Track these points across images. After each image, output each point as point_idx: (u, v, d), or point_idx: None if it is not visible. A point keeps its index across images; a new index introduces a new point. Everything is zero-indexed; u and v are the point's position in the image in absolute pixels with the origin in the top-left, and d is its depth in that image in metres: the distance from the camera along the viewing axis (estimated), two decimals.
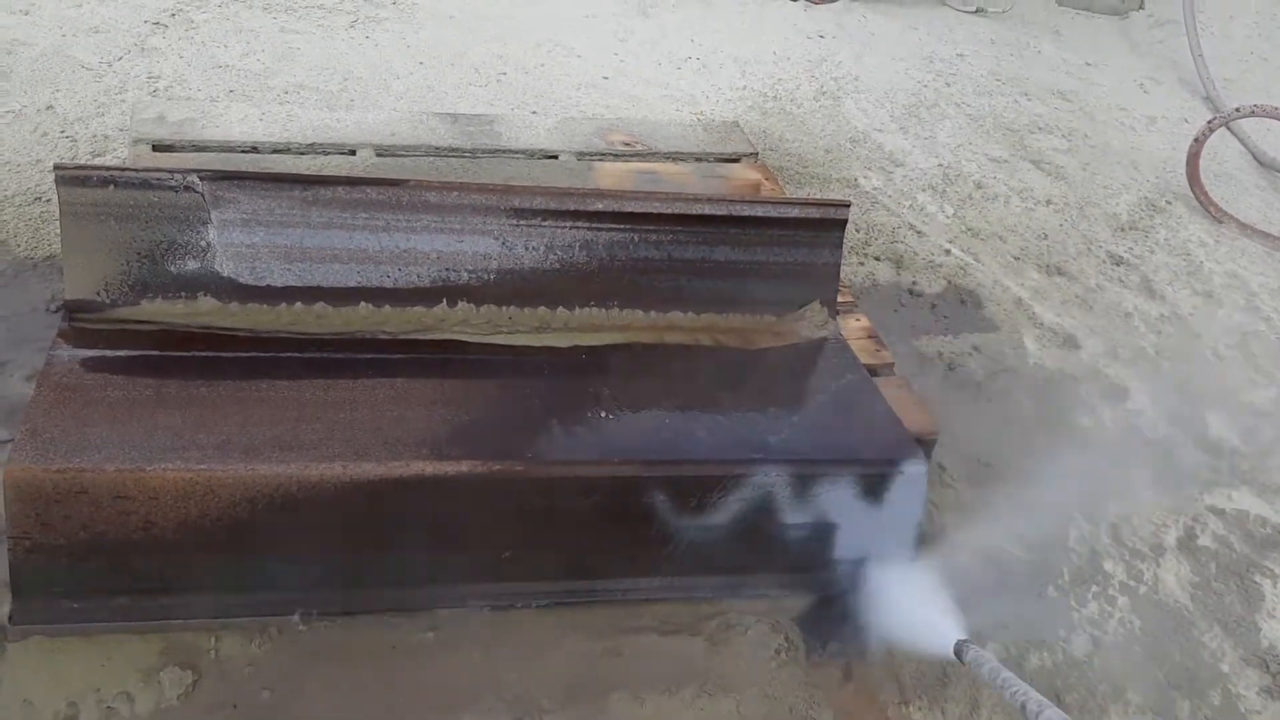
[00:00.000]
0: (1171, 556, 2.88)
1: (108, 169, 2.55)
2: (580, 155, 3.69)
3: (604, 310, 2.82)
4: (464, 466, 2.31)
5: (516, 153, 3.64)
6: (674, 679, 2.34)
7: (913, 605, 2.43)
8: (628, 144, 3.80)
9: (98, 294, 2.53)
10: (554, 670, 2.33)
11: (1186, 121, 5.40)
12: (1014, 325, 3.65)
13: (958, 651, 2.22)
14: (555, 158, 3.67)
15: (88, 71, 4.12)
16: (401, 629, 2.33)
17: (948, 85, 5.36)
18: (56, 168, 2.49)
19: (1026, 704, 1.92)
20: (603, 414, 2.54)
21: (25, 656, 2.15)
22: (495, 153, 3.61)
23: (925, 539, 2.67)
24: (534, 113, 4.34)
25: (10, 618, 2.17)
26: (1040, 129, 5.06)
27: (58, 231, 3.11)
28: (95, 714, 2.07)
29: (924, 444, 2.64)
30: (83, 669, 2.14)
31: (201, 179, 2.54)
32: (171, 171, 2.55)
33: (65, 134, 3.69)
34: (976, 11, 6.46)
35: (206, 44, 4.48)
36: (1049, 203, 4.43)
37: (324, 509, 2.24)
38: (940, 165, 4.55)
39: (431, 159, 3.50)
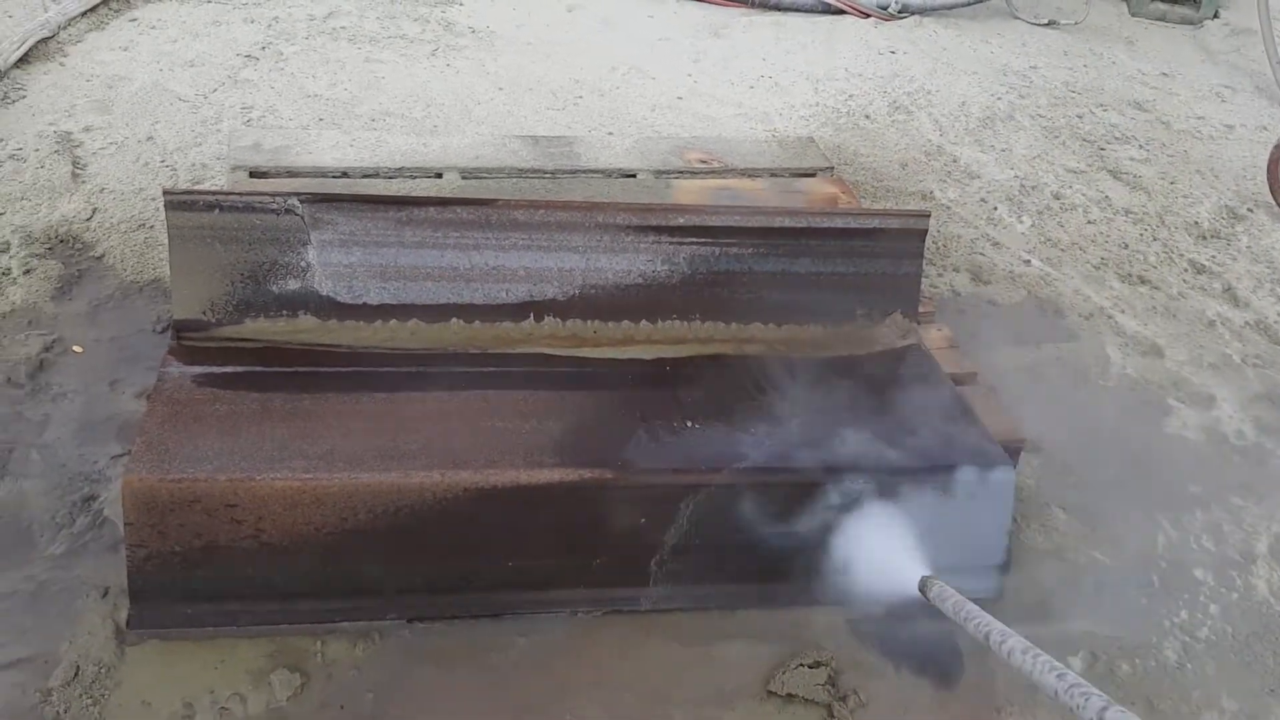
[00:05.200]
0: (1263, 563, 2.84)
1: (213, 193, 2.67)
2: (658, 173, 3.76)
3: (686, 323, 2.88)
4: (556, 475, 2.38)
5: (596, 172, 3.72)
6: (764, 687, 2.37)
7: (874, 546, 2.44)
8: (704, 161, 3.86)
9: (204, 313, 2.64)
10: (646, 677, 2.37)
11: (1265, 129, 5.32)
12: (1096, 334, 3.63)
13: (922, 588, 2.24)
14: (633, 176, 3.74)
15: (184, 103, 4.29)
16: (497, 633, 2.39)
17: (1022, 98, 5.34)
18: (165, 193, 2.61)
19: (990, 635, 1.92)
20: (688, 423, 2.59)
21: (143, 659, 2.25)
22: (575, 173, 3.69)
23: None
24: (610, 134, 4.41)
25: (128, 622, 2.28)
26: (1117, 139, 5.03)
27: (161, 256, 3.27)
28: (210, 714, 2.16)
29: (1010, 451, 2.65)
30: (197, 671, 2.24)
31: (301, 202, 2.65)
32: (273, 195, 2.66)
33: (165, 163, 3.84)
34: (1049, 24, 6.43)
35: (296, 75, 4.64)
36: (1128, 212, 4.40)
37: (423, 516, 2.32)
38: (1017, 177, 4.55)
39: (515, 180, 3.59)
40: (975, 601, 2.41)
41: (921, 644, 2.50)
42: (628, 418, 2.59)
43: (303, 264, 2.66)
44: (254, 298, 2.66)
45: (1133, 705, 2.45)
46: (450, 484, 2.32)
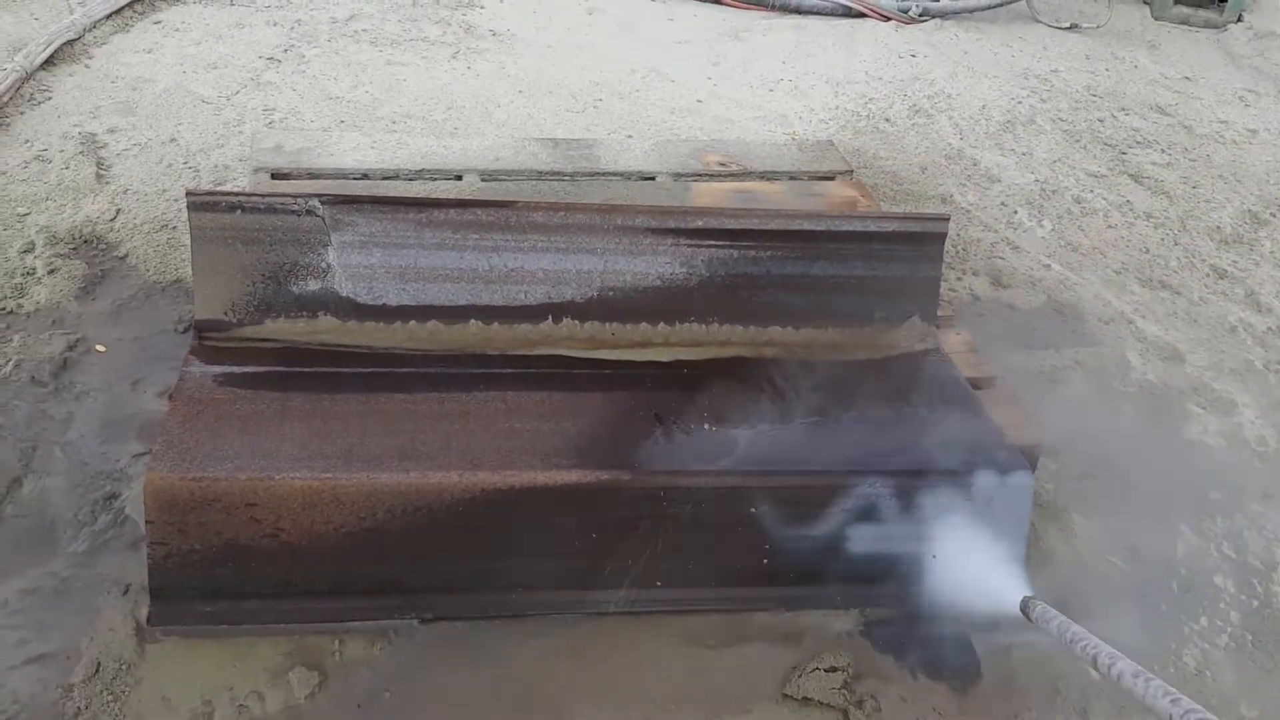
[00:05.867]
0: None
1: (235, 194, 2.69)
2: (677, 176, 3.76)
3: (704, 326, 2.88)
4: (574, 476, 2.39)
5: (615, 175, 3.73)
6: (780, 689, 2.37)
7: (978, 565, 2.43)
8: (723, 164, 3.87)
9: (225, 314, 2.66)
10: (661, 679, 2.37)
11: None
12: (1117, 339, 3.62)
13: (1024, 608, 2.21)
14: (652, 179, 3.74)
15: (207, 105, 4.33)
16: (513, 634, 2.40)
17: (1043, 101, 5.33)
18: (188, 194, 2.63)
19: (1098, 657, 1.88)
20: (706, 426, 2.59)
21: (163, 657, 2.27)
22: (594, 175, 3.70)
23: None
24: (630, 137, 4.43)
25: (149, 620, 2.30)
26: (1139, 143, 5.01)
27: (184, 257, 3.30)
28: (229, 712, 2.18)
29: (1028, 455, 2.64)
30: (216, 669, 2.26)
31: (322, 203, 2.66)
32: (294, 196, 2.68)
33: (188, 164, 3.88)
34: (1070, 27, 6.40)
35: (318, 77, 4.67)
36: (1150, 217, 4.38)
37: (440, 516, 2.33)
38: (1037, 181, 4.53)
39: (534, 182, 3.60)
40: None
41: (938, 648, 2.50)
42: (645, 420, 2.59)
43: (323, 265, 2.68)
44: (275, 298, 2.67)
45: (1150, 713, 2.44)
46: (468, 484, 2.33)
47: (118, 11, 5.00)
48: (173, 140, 4.03)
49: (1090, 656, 1.91)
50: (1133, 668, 1.81)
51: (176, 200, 3.62)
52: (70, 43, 4.63)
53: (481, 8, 5.73)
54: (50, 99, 4.24)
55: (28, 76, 4.28)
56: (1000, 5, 6.33)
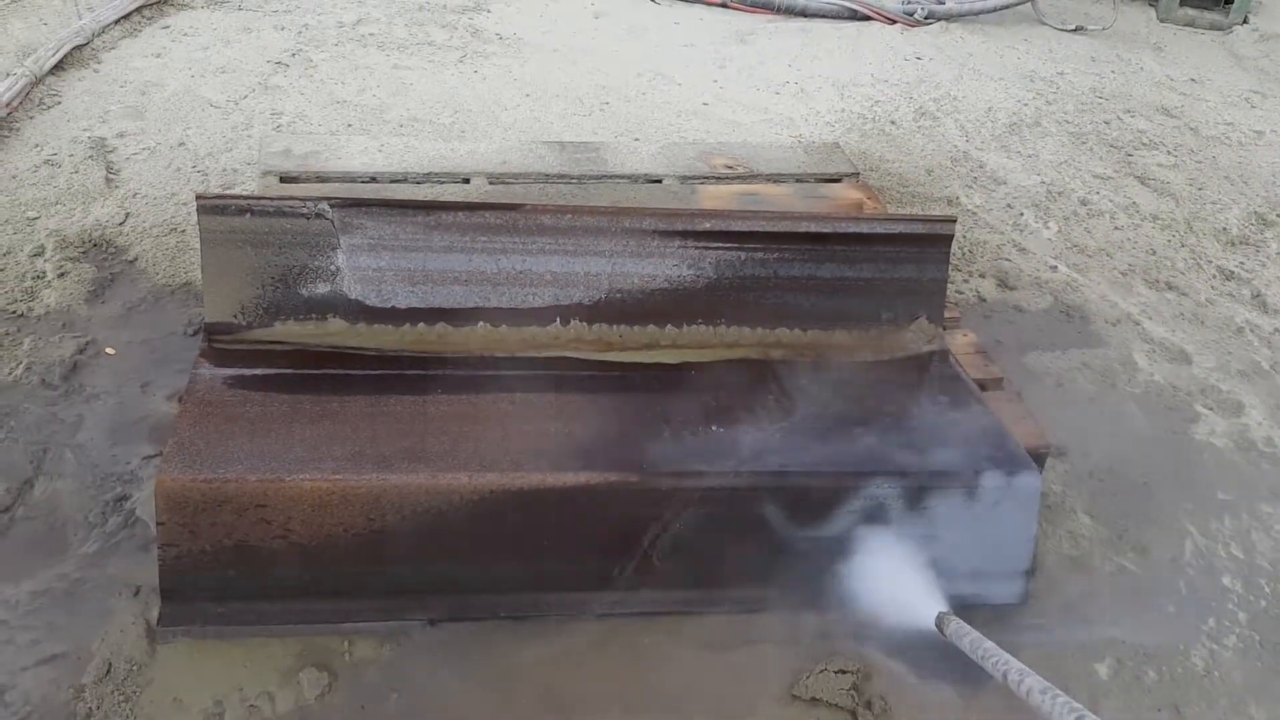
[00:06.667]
0: None
1: (244, 198, 2.70)
2: (683, 179, 3.77)
3: (712, 328, 2.88)
4: (582, 478, 2.40)
5: (621, 178, 3.73)
6: (788, 691, 2.37)
7: (894, 579, 2.44)
8: (730, 167, 3.87)
9: (235, 316, 2.67)
10: (669, 679, 2.38)
11: None
12: (1123, 341, 3.62)
13: (939, 624, 2.23)
14: (659, 182, 3.75)
15: (216, 109, 4.34)
16: (521, 635, 2.41)
17: (1049, 103, 5.33)
18: (198, 197, 2.64)
19: (1008, 674, 1.92)
20: (713, 427, 2.60)
21: (174, 657, 2.28)
22: (601, 178, 3.70)
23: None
24: (636, 139, 4.44)
25: (159, 620, 2.31)
26: (1145, 145, 5.01)
27: (193, 260, 3.31)
28: (240, 712, 2.19)
29: (1036, 457, 2.64)
30: (227, 669, 2.26)
31: (331, 206, 2.67)
32: (303, 200, 2.68)
33: (197, 168, 3.89)
34: (1076, 30, 6.41)
35: (325, 81, 4.69)
36: (1156, 218, 4.38)
37: (449, 517, 2.34)
38: (1043, 183, 4.54)
39: (541, 185, 3.61)
40: (1000, 607, 2.41)
41: (946, 651, 2.50)
42: (653, 421, 2.60)
43: (332, 268, 2.69)
44: (284, 301, 2.68)
45: (1159, 712, 2.44)
46: (477, 486, 2.34)
47: (126, 17, 5.04)
48: (181, 144, 4.05)
49: (1001, 673, 1.94)
50: (1041, 684, 1.84)
51: (186, 204, 3.64)
52: (79, 48, 4.66)
53: (488, 12, 5.75)
54: (60, 103, 4.27)
55: (37, 81, 4.30)
56: (1006, 8, 6.34)
